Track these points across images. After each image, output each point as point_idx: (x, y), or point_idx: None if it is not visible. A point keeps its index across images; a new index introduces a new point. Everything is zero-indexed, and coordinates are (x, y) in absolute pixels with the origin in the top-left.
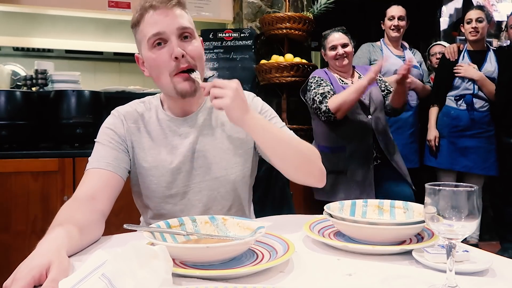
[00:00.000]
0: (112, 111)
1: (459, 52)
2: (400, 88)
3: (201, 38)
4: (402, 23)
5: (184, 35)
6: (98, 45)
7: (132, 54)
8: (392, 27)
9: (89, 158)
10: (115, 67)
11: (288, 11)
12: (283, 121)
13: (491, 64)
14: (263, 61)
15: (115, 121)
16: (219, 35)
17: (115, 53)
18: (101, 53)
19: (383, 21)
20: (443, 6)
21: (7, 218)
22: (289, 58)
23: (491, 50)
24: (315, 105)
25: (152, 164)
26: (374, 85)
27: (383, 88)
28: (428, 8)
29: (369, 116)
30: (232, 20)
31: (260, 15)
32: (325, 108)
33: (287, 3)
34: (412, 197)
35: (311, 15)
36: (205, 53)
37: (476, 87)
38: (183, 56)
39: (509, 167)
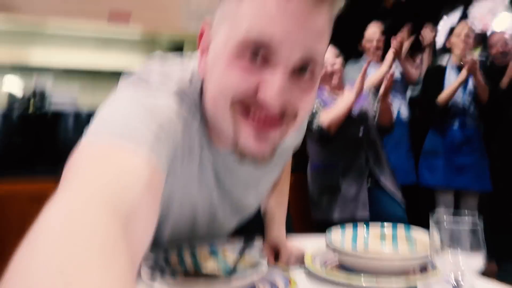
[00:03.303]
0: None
1: (444, 68)
2: (382, 105)
3: None
4: (381, 40)
5: (303, 67)
6: (97, 62)
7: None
8: (372, 48)
9: None
10: (115, 84)
11: None
12: None
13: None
14: None
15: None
16: None
17: (113, 72)
18: (100, 70)
19: (361, 40)
20: (441, 22)
21: (2, 245)
22: None
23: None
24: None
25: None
26: (364, 98)
27: (373, 103)
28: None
29: (360, 131)
30: None
31: None
32: (316, 127)
33: None
34: (404, 218)
35: None
36: None
37: (466, 102)
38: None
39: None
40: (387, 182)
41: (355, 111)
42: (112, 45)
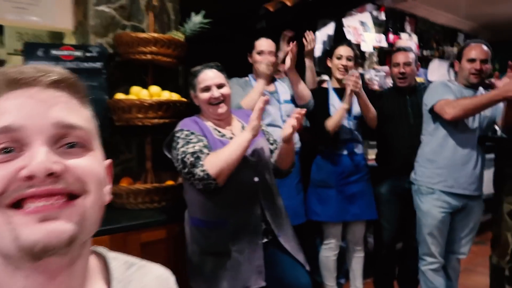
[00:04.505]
0: None
1: (326, 90)
2: (288, 146)
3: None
4: (272, 58)
5: (65, 141)
6: None
7: None
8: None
9: None
10: None
11: (153, 28)
12: (147, 173)
13: (358, 104)
14: (119, 96)
15: None
16: (53, 52)
17: None
18: None
19: (250, 54)
20: (317, 32)
21: None
22: (155, 91)
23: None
24: (186, 169)
25: None
26: (260, 136)
27: (271, 141)
28: (303, 34)
29: (256, 178)
30: (73, 30)
31: (114, 30)
32: (201, 173)
33: (151, 17)
34: (309, 285)
35: (182, 35)
36: None
37: (353, 127)
38: (51, 174)
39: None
40: (287, 240)
41: (248, 151)
42: None
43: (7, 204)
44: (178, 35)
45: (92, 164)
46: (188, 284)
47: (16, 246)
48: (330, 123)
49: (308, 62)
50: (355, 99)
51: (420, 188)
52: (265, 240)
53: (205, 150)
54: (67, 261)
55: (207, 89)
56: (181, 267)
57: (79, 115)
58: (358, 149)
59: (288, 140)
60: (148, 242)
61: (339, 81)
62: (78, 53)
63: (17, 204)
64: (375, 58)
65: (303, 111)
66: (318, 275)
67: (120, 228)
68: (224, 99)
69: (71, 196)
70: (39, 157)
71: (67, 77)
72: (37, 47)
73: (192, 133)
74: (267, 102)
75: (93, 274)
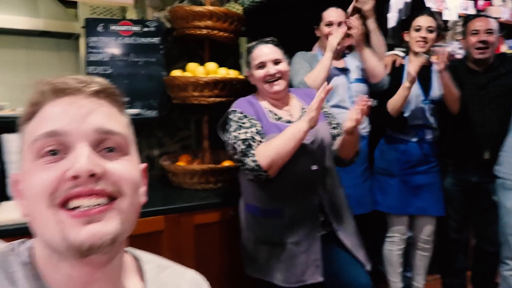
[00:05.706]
0: None
1: (401, 67)
2: (351, 138)
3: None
4: (344, 30)
5: (104, 145)
6: None
7: None
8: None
9: None
10: None
11: (210, 0)
12: (204, 152)
13: (438, 84)
14: (175, 73)
15: None
16: (112, 27)
17: None
18: None
19: (318, 26)
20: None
21: None
22: (211, 68)
23: (434, 65)
24: (237, 156)
25: None
26: (320, 119)
27: (333, 125)
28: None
29: (314, 166)
30: (133, 4)
31: (171, 3)
32: (252, 164)
33: None
34: (368, 285)
35: (241, 7)
36: (92, 53)
37: (427, 111)
38: (92, 175)
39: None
40: (347, 235)
41: (308, 139)
42: None
43: (57, 203)
44: (236, 8)
45: (128, 168)
46: (243, 269)
47: (65, 244)
48: (390, 105)
49: (370, 25)
50: (434, 79)
51: (505, 182)
52: (323, 232)
53: (257, 138)
54: (108, 257)
55: (262, 65)
56: (235, 252)
57: (118, 122)
58: (430, 137)
59: (350, 132)
60: (202, 224)
61: (417, 56)
62: (136, 28)
63: (64, 203)
64: (459, 28)
65: (369, 101)
66: (382, 265)
67: (174, 209)
68: (281, 76)
69: (110, 198)
70: (82, 159)
71: (107, 87)
72: (98, 23)
73: (245, 116)
74: (328, 91)
75: (129, 271)
